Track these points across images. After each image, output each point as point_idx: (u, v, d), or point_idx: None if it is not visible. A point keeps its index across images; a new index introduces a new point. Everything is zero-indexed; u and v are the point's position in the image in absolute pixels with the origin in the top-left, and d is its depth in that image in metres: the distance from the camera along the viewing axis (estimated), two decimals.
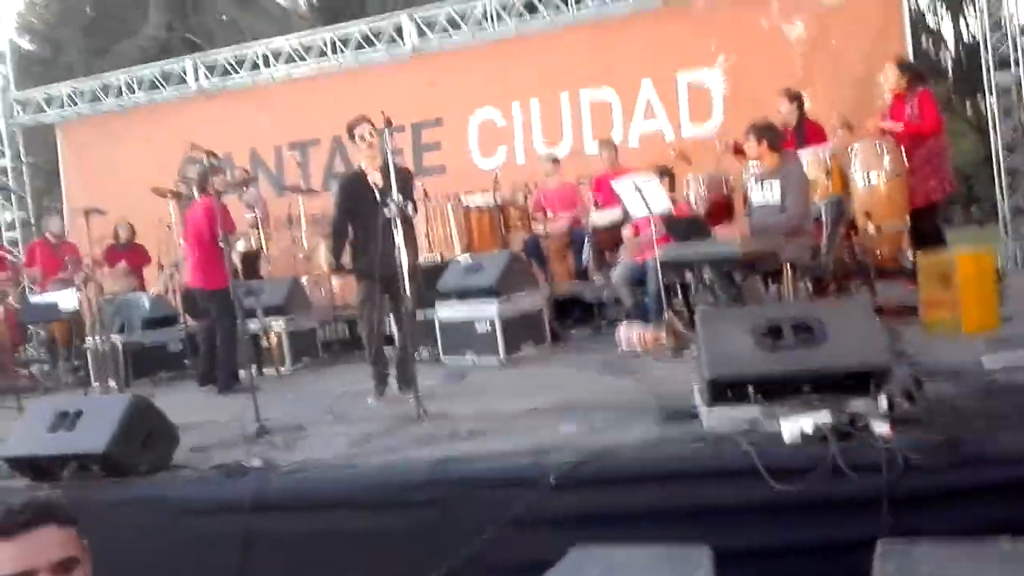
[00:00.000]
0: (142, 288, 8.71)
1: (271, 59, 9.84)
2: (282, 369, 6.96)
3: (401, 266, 4.06)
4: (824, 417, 2.77)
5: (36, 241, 9.12)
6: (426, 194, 7.73)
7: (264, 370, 6.95)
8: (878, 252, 5.62)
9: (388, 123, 4.17)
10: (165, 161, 10.07)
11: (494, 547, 2.90)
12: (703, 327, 3.17)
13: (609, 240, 7.50)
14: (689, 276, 5.99)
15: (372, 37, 9.47)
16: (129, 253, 8.75)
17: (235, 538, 3.25)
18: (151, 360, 7.41)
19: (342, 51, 9.58)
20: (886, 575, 1.79)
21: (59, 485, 3.58)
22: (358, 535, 3.13)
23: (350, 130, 4.83)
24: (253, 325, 6.96)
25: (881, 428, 2.67)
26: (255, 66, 9.92)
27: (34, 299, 8.06)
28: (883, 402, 2.73)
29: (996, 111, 7.77)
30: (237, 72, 9.98)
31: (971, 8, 14.70)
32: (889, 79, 6.00)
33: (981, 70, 8.15)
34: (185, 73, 10.12)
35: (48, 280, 8.62)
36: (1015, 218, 7.81)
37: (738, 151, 6.22)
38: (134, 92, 10.31)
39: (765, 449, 2.72)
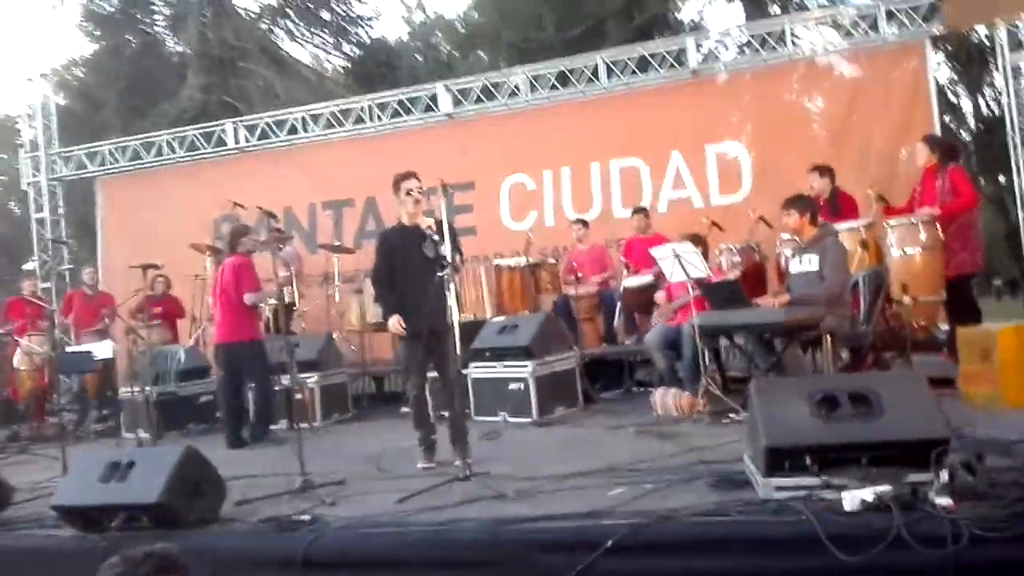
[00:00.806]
0: (175, 340, 8.83)
1: (310, 123, 10.12)
2: (315, 424, 6.99)
3: (452, 324, 4.07)
4: (884, 488, 2.78)
5: (73, 291, 9.28)
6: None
7: (296, 424, 6.97)
8: (913, 324, 5.65)
9: (444, 186, 4.28)
10: (201, 217, 10.34)
11: None
12: (758, 396, 3.21)
13: (639, 304, 7.58)
14: (723, 342, 6.05)
15: (408, 104, 9.74)
16: (165, 305, 8.88)
17: None
18: (182, 412, 7.45)
19: (379, 117, 9.85)
20: None
21: (107, 536, 3.61)
22: None
23: (397, 183, 4.82)
24: (286, 380, 7.04)
25: (943, 501, 2.67)
26: (293, 129, 10.20)
27: (70, 349, 8.17)
28: (944, 475, 2.74)
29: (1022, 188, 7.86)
30: (277, 135, 10.26)
31: (990, 87, 15.00)
32: (920, 155, 6.13)
33: (1000, 147, 8.26)
34: (225, 134, 10.40)
35: (82, 330, 8.77)
36: None
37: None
38: (175, 151, 10.59)
39: (826, 518, 2.72)
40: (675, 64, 8.90)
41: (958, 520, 2.56)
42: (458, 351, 4.21)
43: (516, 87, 9.35)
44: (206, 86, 14.94)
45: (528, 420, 6.01)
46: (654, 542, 2.89)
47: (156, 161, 10.76)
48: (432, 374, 4.94)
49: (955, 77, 13.70)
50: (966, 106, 15.16)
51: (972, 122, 15.38)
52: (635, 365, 7.56)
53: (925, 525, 2.62)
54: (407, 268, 4.66)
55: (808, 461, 3.01)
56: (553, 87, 9.22)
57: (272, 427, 6.61)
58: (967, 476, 2.75)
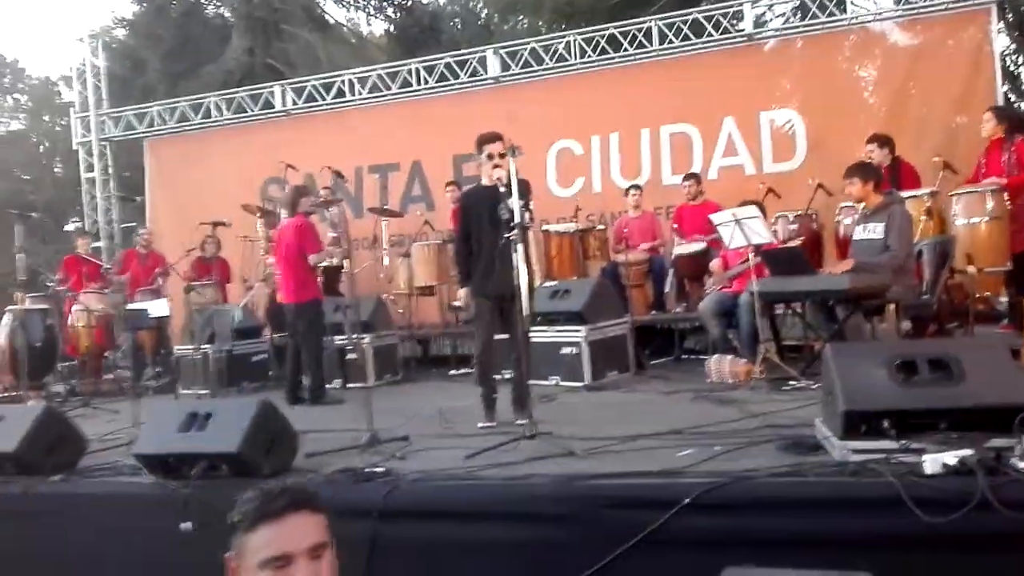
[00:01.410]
0: (225, 300, 8.98)
1: (357, 86, 10.13)
2: (368, 384, 7.09)
3: (519, 286, 4.09)
4: (966, 452, 2.77)
5: (128, 251, 9.46)
6: None
7: (349, 384, 7.11)
8: (976, 295, 5.58)
9: (514, 147, 4.28)
10: (248, 178, 10.45)
11: (625, 566, 2.95)
12: (835, 360, 3.20)
13: (691, 271, 7.56)
14: (779, 310, 6.03)
15: (456, 68, 9.70)
16: (216, 266, 9.01)
17: (362, 542, 3.33)
18: (237, 370, 7.61)
19: (426, 80, 9.83)
20: None
21: (188, 483, 3.72)
22: (484, 545, 3.20)
23: (480, 144, 4.82)
24: (339, 340, 7.16)
25: None
26: (340, 93, 10.22)
27: (128, 306, 8.35)
28: None
29: None
30: (324, 98, 10.29)
31: None
32: (987, 126, 6.00)
33: None
34: (273, 96, 10.46)
35: (136, 289, 8.95)
36: None
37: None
38: (222, 113, 10.68)
39: (906, 480, 2.73)
40: (729, 28, 8.76)
41: None
42: (527, 312, 4.21)
43: (566, 51, 9.26)
44: (250, 49, 15.00)
45: (580, 384, 6.05)
46: (731, 501, 2.91)
47: (204, 123, 10.88)
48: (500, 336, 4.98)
49: (1015, 46, 13.29)
50: None
51: None
52: (685, 333, 7.56)
53: (1010, 489, 2.61)
54: (482, 229, 4.74)
55: (886, 425, 3.01)
56: (603, 51, 9.13)
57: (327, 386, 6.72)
58: None
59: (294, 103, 10.46)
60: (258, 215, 8.89)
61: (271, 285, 8.13)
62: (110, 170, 11.36)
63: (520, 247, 4.03)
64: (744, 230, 5.33)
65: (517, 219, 4.08)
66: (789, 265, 5.09)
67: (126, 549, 3.71)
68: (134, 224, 11.44)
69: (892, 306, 4.91)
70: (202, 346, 7.39)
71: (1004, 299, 6.16)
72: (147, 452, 3.83)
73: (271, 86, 10.64)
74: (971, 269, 5.45)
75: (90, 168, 11.24)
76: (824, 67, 8.57)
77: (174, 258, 9.19)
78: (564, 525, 3.11)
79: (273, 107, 10.53)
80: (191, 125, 10.93)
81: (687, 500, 2.92)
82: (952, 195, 5.73)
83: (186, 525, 3.62)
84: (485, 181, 4.84)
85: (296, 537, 1.60)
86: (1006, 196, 5.60)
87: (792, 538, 2.78)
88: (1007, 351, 3.15)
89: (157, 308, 8.27)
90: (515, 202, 4.14)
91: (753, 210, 5.42)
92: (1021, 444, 2.77)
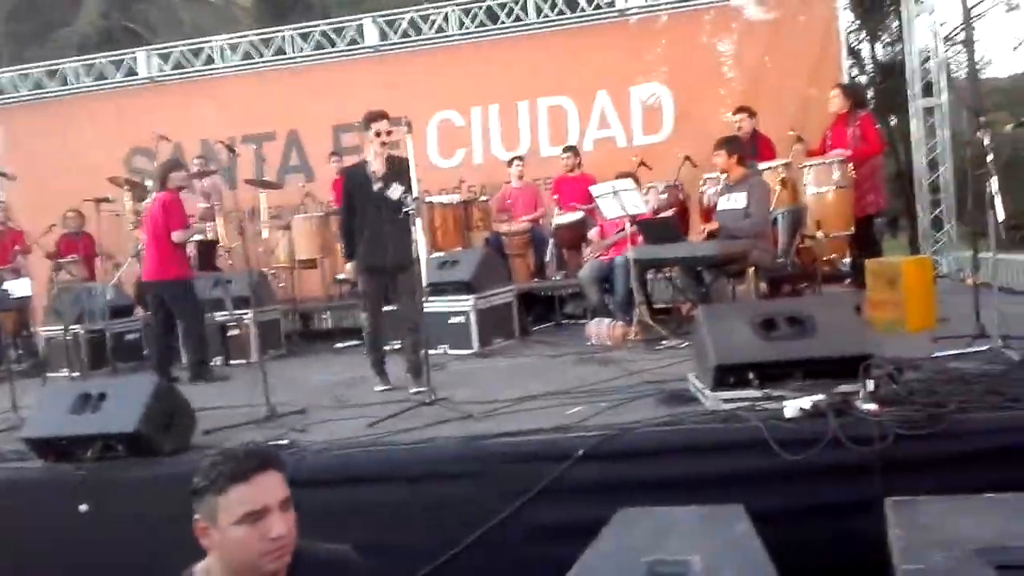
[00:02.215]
0: (92, 277, 8.59)
1: (228, 52, 9.82)
2: (252, 360, 7.04)
3: (418, 258, 4.24)
4: (819, 397, 3.17)
5: None
6: None
7: (231, 361, 7.03)
8: (823, 257, 6.16)
9: (409, 124, 4.41)
10: (112, 150, 9.96)
11: (527, 514, 3.20)
12: (707, 319, 3.55)
13: (569, 240, 7.89)
14: (650, 276, 6.43)
15: (332, 36, 9.57)
16: (82, 242, 8.60)
17: None
18: (109, 350, 7.34)
19: (302, 48, 9.65)
20: (899, 526, 2.18)
21: (83, 465, 3.68)
22: (393, 506, 3.37)
23: (368, 122, 4.88)
24: (220, 316, 7.05)
25: (870, 406, 3.09)
26: (210, 59, 9.87)
27: None
28: (870, 384, 3.15)
29: (919, 132, 8.52)
30: (192, 64, 9.91)
31: (884, 33, 15.83)
32: (835, 102, 6.57)
33: (891, 92, 8.87)
34: (136, 63, 9.97)
35: None
36: (932, 231, 8.56)
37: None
38: (81, 80, 10.10)
39: (770, 424, 3.10)
40: (600, 4, 9.07)
41: (883, 422, 2.98)
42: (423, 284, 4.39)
43: (444, 22, 9.32)
44: (106, 12, 14.10)
45: (469, 352, 6.26)
46: (620, 450, 3.21)
47: (62, 90, 10.25)
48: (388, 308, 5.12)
49: (858, 22, 14.45)
50: (864, 51, 16.03)
51: (869, 67, 16.29)
52: (564, 299, 7.89)
53: (856, 427, 3.02)
54: (366, 205, 4.83)
55: (751, 376, 3.38)
56: (481, 24, 9.25)
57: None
58: (890, 385, 3.18)
59: (160, 69, 10.02)
60: (125, 188, 8.50)
61: (141, 261, 7.85)
62: None
63: (419, 221, 4.18)
64: (622, 201, 5.65)
65: (415, 194, 4.22)
66: (662, 234, 5.46)
67: (24, 535, 3.64)
68: None
69: (751, 270, 5.36)
70: (72, 326, 7.09)
71: (847, 260, 6.83)
72: (37, 436, 3.75)
73: (134, 51, 10.13)
74: (819, 234, 6.02)
75: None
76: (687, 42, 9.04)
77: (34, 234, 8.68)
78: (468, 482, 3.32)
79: (137, 74, 10.03)
80: (47, 92, 10.26)
81: (581, 452, 3.20)
82: (802, 167, 6.27)
83: (84, 507, 3.61)
84: (369, 158, 4.94)
85: (268, 492, 1.73)
86: (850, 167, 6.19)
87: (674, 480, 3.11)
88: (852, 308, 3.58)
89: (19, 287, 7.77)
90: (413, 175, 4.28)
91: (630, 183, 5.76)
92: (864, 389, 3.20)
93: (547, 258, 7.92)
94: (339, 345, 7.68)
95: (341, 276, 8.21)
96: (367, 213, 4.86)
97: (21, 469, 3.85)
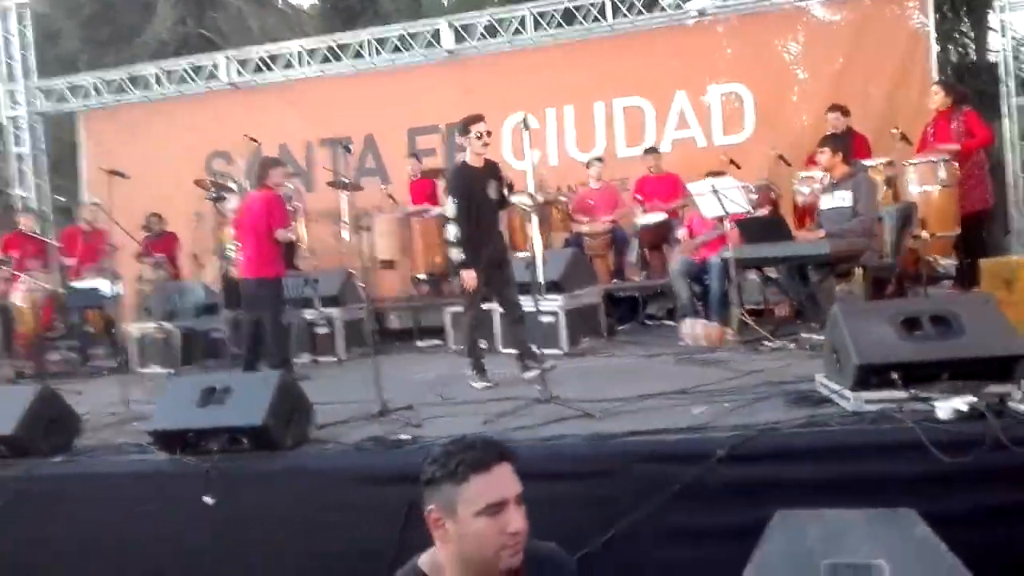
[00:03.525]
0: (176, 277, 8.75)
1: (306, 57, 9.94)
2: (342, 358, 7.10)
3: (535, 254, 4.26)
4: (971, 399, 3.04)
5: (71, 229, 9.08)
6: None
7: (319, 359, 7.08)
8: (929, 258, 5.97)
9: (525, 121, 4.46)
10: (191, 154, 10.15)
11: (662, 514, 3.12)
12: (845, 318, 3.43)
13: (652, 240, 7.80)
14: (746, 277, 6.31)
15: (409, 40, 9.62)
16: (164, 243, 8.77)
17: (399, 506, 3.40)
18: (198, 347, 7.46)
19: (378, 52, 9.72)
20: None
21: (208, 458, 3.71)
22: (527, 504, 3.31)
23: (467, 125, 5.05)
24: (309, 315, 7.11)
25: None
26: (288, 64, 10.00)
27: (77, 285, 8.06)
28: None
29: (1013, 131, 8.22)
30: (271, 69, 10.05)
31: (975, 32, 15.37)
32: (935, 98, 6.37)
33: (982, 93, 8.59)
34: (217, 68, 10.15)
35: (83, 267, 8.62)
36: None
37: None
38: (162, 85, 10.31)
39: (924, 427, 2.98)
40: (680, 4, 8.97)
41: None
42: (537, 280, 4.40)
43: (520, 25, 9.31)
44: (181, 18, 14.41)
45: (558, 352, 6.20)
46: (763, 451, 3.11)
47: (143, 95, 10.47)
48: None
49: (945, 22, 14.08)
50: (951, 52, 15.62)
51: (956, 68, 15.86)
52: (647, 300, 7.80)
53: (1015, 429, 2.89)
54: (481, 206, 4.99)
55: (895, 377, 3.26)
56: (558, 25, 9.21)
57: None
58: None
59: (239, 74, 10.18)
60: (212, 190, 8.64)
61: (231, 261, 7.97)
62: (42, 145, 10.82)
63: (535, 218, 4.17)
64: (721, 199, 5.55)
65: (532, 190, 4.26)
66: (766, 232, 5.34)
67: (148, 526, 3.68)
68: (64, 200, 10.98)
69: (859, 270, 5.21)
70: (163, 323, 7.23)
71: (945, 261, 6.61)
72: (164, 428, 3.78)
73: (214, 56, 10.31)
74: (924, 234, 5.83)
75: (20, 143, 10.67)
76: (767, 43, 8.87)
77: (120, 236, 8.86)
78: (602, 481, 3.25)
79: (217, 78, 10.21)
80: (128, 98, 10.50)
81: (722, 452, 3.11)
82: (907, 164, 6.09)
83: (209, 499, 3.63)
84: (470, 160, 5.09)
85: (507, 485, 1.71)
86: (955, 165, 5.99)
87: (820, 483, 2.99)
88: (996, 307, 3.43)
89: (108, 287, 8.00)
90: (529, 171, 4.31)
91: (731, 180, 5.65)
92: (1020, 389, 3.06)
93: (632, 258, 7.83)
94: (420, 344, 7.69)
95: (421, 276, 8.25)
96: (480, 215, 4.99)
97: (146, 461, 3.89)
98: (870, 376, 3.28)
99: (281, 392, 3.74)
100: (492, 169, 5.15)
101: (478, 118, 5.05)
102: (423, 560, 1.77)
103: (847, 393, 3.35)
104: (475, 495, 1.66)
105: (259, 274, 6.20)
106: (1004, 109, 8.27)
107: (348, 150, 6.17)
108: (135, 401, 5.08)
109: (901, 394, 3.23)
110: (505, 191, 5.20)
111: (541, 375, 4.29)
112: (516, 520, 1.67)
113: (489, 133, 5.08)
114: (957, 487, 2.85)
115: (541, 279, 4.32)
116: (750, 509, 3.04)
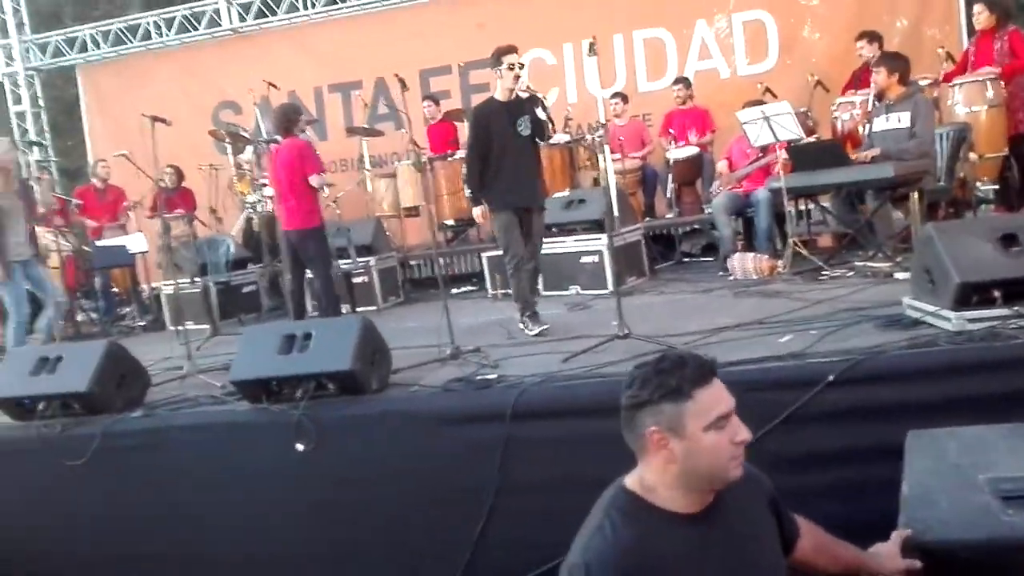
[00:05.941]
0: (194, 233, 8.59)
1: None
2: (379, 306, 7.03)
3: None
4: None
5: (85, 188, 8.88)
6: None
7: (358, 308, 7.01)
8: (975, 180, 5.92)
9: (592, 45, 4.28)
10: (197, 104, 9.90)
11: (770, 441, 3.11)
12: (940, 237, 3.38)
13: (685, 175, 7.70)
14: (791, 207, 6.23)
15: None
16: (181, 198, 8.60)
17: (494, 444, 3.40)
18: (232, 301, 7.37)
19: None
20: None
21: (295, 405, 3.66)
22: (614, 438, 3.29)
23: (498, 57, 4.72)
24: (345, 264, 7.01)
25: None
26: (292, 7, 9.70)
27: (102, 243, 7.91)
28: None
29: None
30: (275, 13, 9.74)
31: None
32: (980, 17, 6.23)
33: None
34: (219, 15, 9.83)
35: (101, 225, 8.47)
36: None
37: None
38: (163, 34, 10.00)
39: None
40: None
41: None
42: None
43: None
44: None
45: (604, 292, 6.13)
46: (872, 375, 3.09)
47: (142, 46, 10.15)
48: None
49: None
50: None
51: None
52: (682, 237, 7.72)
53: None
54: (505, 144, 4.69)
55: (996, 295, 3.23)
56: None
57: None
58: None
59: (241, 19, 9.86)
60: (227, 140, 8.45)
61: (257, 214, 7.84)
62: (40, 102, 10.51)
63: (607, 148, 4.04)
64: (773, 127, 5.44)
65: (600, 117, 4.10)
66: (822, 158, 5.24)
67: (239, 477, 3.65)
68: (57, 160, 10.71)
69: (915, 193, 5.14)
70: (196, 279, 7.12)
71: (985, 185, 6.56)
72: (246, 378, 3.72)
73: (215, 2, 9.97)
74: (972, 156, 5.76)
75: (18, 100, 10.37)
76: None
77: (132, 192, 8.69)
78: None
79: (219, 25, 9.90)
80: (127, 49, 10.18)
81: (831, 377, 3.09)
82: (952, 85, 5.99)
83: (300, 446, 3.61)
84: (499, 96, 4.79)
85: (726, 395, 1.68)
86: (1002, 84, 5.90)
87: (935, 404, 2.97)
88: None
89: (135, 243, 7.89)
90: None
91: (785, 105, 5.54)
92: None
93: (668, 194, 7.73)
94: (455, 291, 7.61)
95: (449, 222, 8.13)
96: (505, 153, 4.72)
97: (227, 411, 3.85)
98: (971, 294, 3.25)
99: (364, 336, 3.69)
100: (522, 105, 4.73)
101: (511, 49, 4.72)
102: (629, 482, 1.73)
103: (947, 313, 3.32)
104: (703, 408, 1.63)
105: (304, 225, 5.96)
106: None
107: (405, 86, 5.93)
108: (194, 355, 4.99)
109: (1004, 311, 3.20)
110: (547, 128, 4.85)
111: (621, 316, 4.18)
112: (743, 429, 1.65)
113: (522, 65, 4.73)
114: None
115: (616, 212, 4.16)
116: (858, 434, 3.06)
